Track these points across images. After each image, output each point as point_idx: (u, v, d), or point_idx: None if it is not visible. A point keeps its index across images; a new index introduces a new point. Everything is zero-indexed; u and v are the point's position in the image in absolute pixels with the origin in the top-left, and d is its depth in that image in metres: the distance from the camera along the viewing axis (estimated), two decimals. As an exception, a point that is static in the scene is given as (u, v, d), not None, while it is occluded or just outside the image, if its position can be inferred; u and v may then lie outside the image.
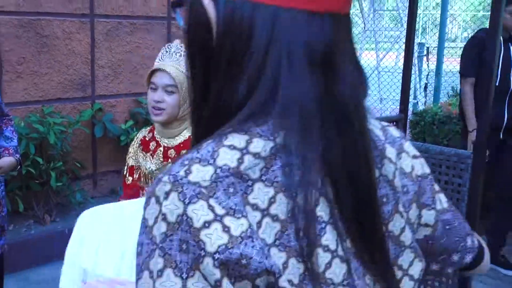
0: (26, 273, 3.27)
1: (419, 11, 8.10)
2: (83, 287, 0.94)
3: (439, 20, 7.83)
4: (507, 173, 3.39)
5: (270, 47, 0.59)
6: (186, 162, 0.56)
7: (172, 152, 1.98)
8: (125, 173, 2.16)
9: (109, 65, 4.07)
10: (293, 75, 0.59)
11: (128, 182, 2.13)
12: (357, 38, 8.77)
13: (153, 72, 1.93)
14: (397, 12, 9.22)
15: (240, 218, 0.54)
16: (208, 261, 0.52)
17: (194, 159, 0.56)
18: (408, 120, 4.18)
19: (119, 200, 2.16)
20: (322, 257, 0.58)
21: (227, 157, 0.56)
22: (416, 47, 7.61)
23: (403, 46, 3.20)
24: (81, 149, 3.98)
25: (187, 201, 0.53)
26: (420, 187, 0.74)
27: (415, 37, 4.88)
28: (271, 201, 0.56)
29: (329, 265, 0.59)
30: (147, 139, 2.08)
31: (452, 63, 8.68)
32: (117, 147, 4.11)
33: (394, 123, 2.52)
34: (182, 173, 0.55)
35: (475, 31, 3.78)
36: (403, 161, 0.73)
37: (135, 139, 2.15)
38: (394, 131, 0.75)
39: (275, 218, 0.56)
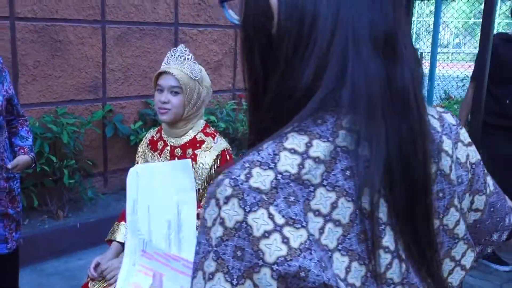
0: (40, 265, 3.26)
1: (413, 18, 8.07)
2: (143, 256, 0.93)
3: (432, 27, 7.81)
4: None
5: (336, 30, 0.55)
6: (247, 165, 0.53)
7: (178, 151, 1.97)
8: (134, 171, 2.16)
9: (120, 68, 4.06)
10: (360, 60, 0.55)
11: (137, 180, 2.13)
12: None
13: (160, 74, 1.94)
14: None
15: (300, 228, 0.51)
16: (265, 271, 0.50)
17: (255, 162, 0.53)
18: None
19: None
20: (383, 258, 0.56)
21: (288, 162, 0.53)
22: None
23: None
24: (92, 148, 3.97)
25: (247, 208, 0.51)
26: (473, 174, 0.71)
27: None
28: (333, 206, 0.53)
29: (389, 265, 0.57)
30: (155, 139, 2.08)
31: (445, 68, 8.66)
32: (126, 146, 4.10)
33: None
34: (242, 177, 0.52)
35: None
36: (459, 151, 0.69)
37: (144, 139, 2.16)
38: (450, 118, 0.71)
39: (337, 223, 0.53)
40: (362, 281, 0.54)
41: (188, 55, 1.94)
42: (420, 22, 12.73)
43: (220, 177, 0.54)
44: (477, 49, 2.84)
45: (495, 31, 3.42)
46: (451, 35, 16.56)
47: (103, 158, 4.09)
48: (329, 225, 0.53)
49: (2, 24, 3.44)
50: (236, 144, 4.47)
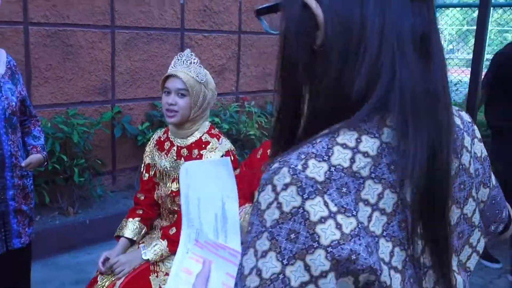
0: (52, 259, 3.27)
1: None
2: (195, 245, 0.96)
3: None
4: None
5: (383, 38, 0.56)
6: (303, 156, 0.55)
7: (184, 151, 1.97)
8: (142, 170, 2.16)
9: (128, 71, 4.07)
10: (406, 64, 0.57)
11: (145, 178, 2.13)
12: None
13: (167, 77, 1.93)
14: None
15: (350, 217, 0.54)
16: (320, 253, 0.52)
17: (310, 154, 0.55)
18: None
19: (136, 195, 2.16)
20: (419, 245, 0.59)
21: (340, 157, 0.55)
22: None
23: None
24: (101, 147, 3.98)
25: (305, 196, 0.53)
26: (483, 167, 0.74)
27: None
28: (380, 196, 0.56)
29: (423, 251, 0.60)
30: (162, 139, 2.08)
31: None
32: (134, 146, 4.10)
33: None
34: (300, 167, 0.54)
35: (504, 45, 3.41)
36: (476, 146, 0.72)
37: (151, 140, 2.16)
38: (466, 116, 0.73)
39: (383, 211, 0.56)
40: (403, 265, 0.57)
41: (194, 59, 1.94)
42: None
43: (276, 165, 0.55)
44: (470, 55, 2.82)
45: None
46: (445, 41, 16.55)
47: (112, 157, 4.09)
48: (376, 214, 0.56)
49: (16, 29, 3.45)
50: (239, 144, 4.47)
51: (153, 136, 2.15)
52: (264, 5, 0.66)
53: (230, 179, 0.88)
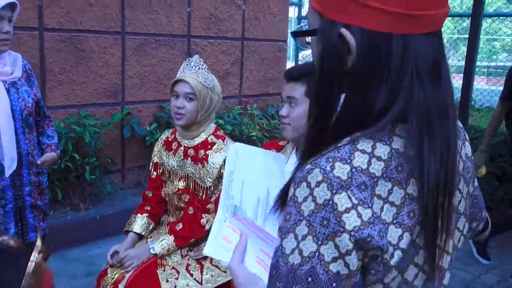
0: (64, 252, 3.27)
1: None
2: (233, 218, 0.95)
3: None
4: None
5: (404, 64, 0.65)
6: (331, 160, 0.64)
7: (191, 152, 1.97)
8: (150, 168, 2.16)
9: (137, 75, 4.07)
10: (421, 84, 0.66)
11: (153, 176, 2.13)
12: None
13: (176, 82, 1.93)
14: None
15: (367, 208, 0.63)
16: (345, 236, 0.61)
17: (336, 158, 0.65)
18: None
19: (144, 192, 2.17)
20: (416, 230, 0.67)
21: (360, 160, 0.65)
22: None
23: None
24: (111, 147, 3.98)
25: (334, 191, 0.62)
26: (472, 165, 0.83)
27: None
28: (390, 192, 0.65)
29: (418, 235, 0.67)
30: (169, 139, 2.08)
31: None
32: (142, 146, 4.10)
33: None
34: (328, 168, 0.63)
35: None
36: (467, 148, 0.82)
37: (159, 140, 2.15)
38: (458, 122, 0.81)
39: (392, 204, 0.65)
40: (407, 246, 0.65)
41: (202, 65, 1.94)
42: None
43: (309, 166, 0.65)
44: (460, 62, 2.80)
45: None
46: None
47: (121, 156, 4.09)
48: (387, 205, 0.65)
49: (31, 34, 3.45)
50: (241, 145, 4.47)
51: (161, 137, 2.15)
52: (302, 29, 0.76)
53: (282, 176, 0.86)
